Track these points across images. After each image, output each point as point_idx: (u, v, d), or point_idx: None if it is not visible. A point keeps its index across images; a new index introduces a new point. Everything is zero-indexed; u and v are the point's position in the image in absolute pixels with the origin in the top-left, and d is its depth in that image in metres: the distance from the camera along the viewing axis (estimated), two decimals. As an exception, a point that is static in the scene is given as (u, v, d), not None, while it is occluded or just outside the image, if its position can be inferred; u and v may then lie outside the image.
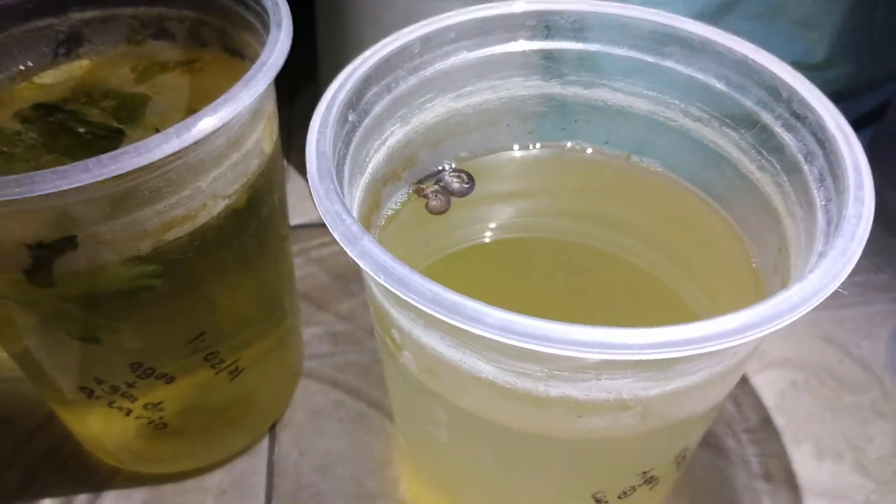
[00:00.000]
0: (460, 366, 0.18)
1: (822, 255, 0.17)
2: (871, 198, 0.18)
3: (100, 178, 0.19)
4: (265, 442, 0.33)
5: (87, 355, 0.25)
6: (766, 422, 0.34)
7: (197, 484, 0.32)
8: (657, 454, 0.21)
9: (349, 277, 0.40)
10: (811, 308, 0.16)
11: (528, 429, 0.19)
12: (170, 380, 0.27)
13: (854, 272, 0.41)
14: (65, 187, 0.19)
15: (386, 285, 0.16)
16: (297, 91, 0.48)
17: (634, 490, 0.22)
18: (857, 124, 0.43)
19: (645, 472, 0.21)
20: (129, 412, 0.27)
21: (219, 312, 0.27)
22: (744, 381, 0.35)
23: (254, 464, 0.32)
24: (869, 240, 0.37)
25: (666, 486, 0.25)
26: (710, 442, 0.33)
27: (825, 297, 0.16)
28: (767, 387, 0.35)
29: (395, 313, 0.19)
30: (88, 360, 0.25)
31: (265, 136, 0.25)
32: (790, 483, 0.32)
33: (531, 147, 0.28)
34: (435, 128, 0.26)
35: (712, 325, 0.15)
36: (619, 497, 0.22)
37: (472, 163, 0.27)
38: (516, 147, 0.28)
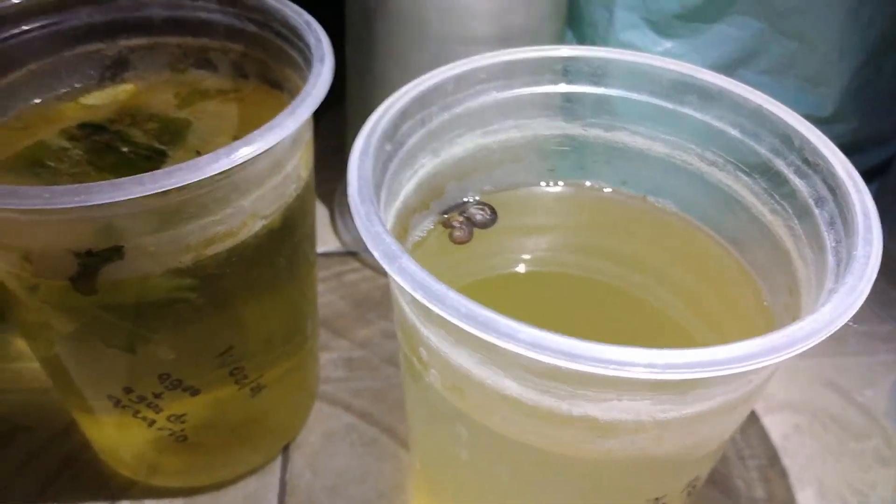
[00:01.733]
0: (487, 383, 0.19)
1: (832, 292, 0.18)
2: (879, 240, 0.19)
3: (153, 192, 0.20)
4: (278, 461, 0.34)
5: (118, 364, 0.26)
6: (773, 460, 0.34)
7: (210, 500, 0.32)
8: (669, 481, 0.22)
9: (367, 306, 0.41)
10: (822, 338, 0.17)
11: (547, 448, 0.20)
12: (195, 392, 0.27)
13: (859, 321, 0.42)
14: (121, 198, 0.20)
15: (424, 301, 0.17)
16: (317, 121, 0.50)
17: (645, 515, 0.23)
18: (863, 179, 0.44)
19: (657, 499, 0.22)
20: (152, 423, 0.28)
21: (247, 329, 0.28)
22: (750, 422, 0.36)
23: (266, 482, 0.33)
24: (873, 291, 0.38)
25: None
26: (717, 479, 0.34)
27: (836, 328, 0.17)
28: (772, 429, 0.36)
29: (426, 331, 0.20)
30: (119, 369, 0.26)
31: (302, 162, 0.27)
32: (793, 524, 0.32)
33: (552, 184, 0.29)
34: (462, 161, 0.27)
35: (731, 349, 0.16)
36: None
37: (496, 196, 0.28)
38: (538, 183, 0.29)
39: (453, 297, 0.17)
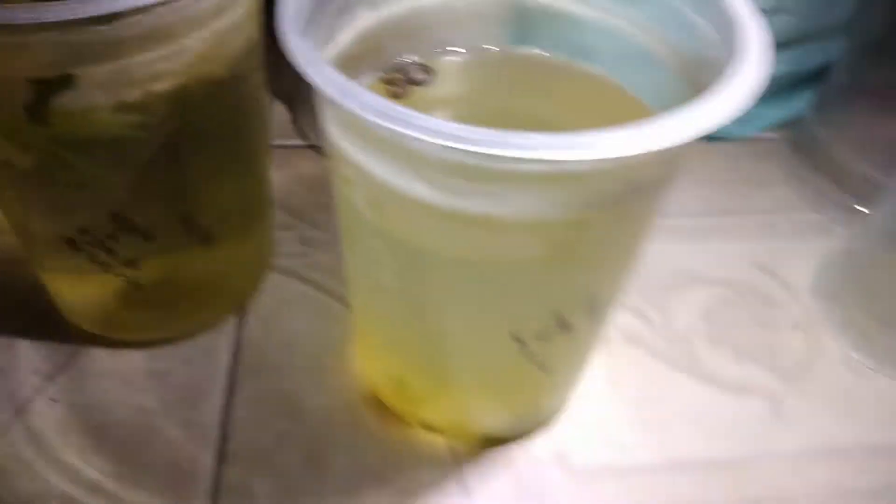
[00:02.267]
0: (400, 190, 0.21)
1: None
2: (768, 65, 0.21)
3: (98, 13, 0.22)
4: (233, 321, 0.36)
5: (73, 202, 0.28)
6: (695, 324, 0.37)
7: (168, 352, 0.34)
8: (566, 292, 0.24)
9: (326, 193, 0.42)
10: (688, 137, 0.19)
11: (453, 253, 0.22)
12: (148, 236, 0.29)
13: (795, 211, 0.44)
14: (69, 17, 0.21)
15: (338, 101, 0.19)
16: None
17: (550, 335, 0.25)
18: (805, 82, 0.46)
19: (557, 313, 0.24)
20: (108, 267, 0.30)
21: (197, 177, 0.29)
22: (673, 292, 0.38)
23: (221, 338, 0.35)
24: (811, 185, 0.40)
25: (583, 342, 0.28)
26: (638, 339, 0.36)
27: (700, 128, 0.19)
28: (694, 302, 0.38)
29: (346, 144, 0.22)
30: (74, 208, 0.28)
31: (250, 19, 0.28)
32: (708, 378, 0.35)
33: (489, 48, 0.31)
34: (402, 21, 0.29)
35: (615, 133, 0.18)
36: (537, 339, 0.25)
37: (433, 58, 0.30)
38: (476, 47, 0.31)
39: (367, 95, 0.19)
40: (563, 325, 0.25)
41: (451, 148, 0.18)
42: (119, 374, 0.34)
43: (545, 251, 0.21)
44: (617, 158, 0.18)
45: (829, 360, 0.36)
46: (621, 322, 0.37)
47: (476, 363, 0.27)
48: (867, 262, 0.37)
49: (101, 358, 0.34)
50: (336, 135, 0.23)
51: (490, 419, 0.31)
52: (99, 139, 0.26)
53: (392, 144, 0.20)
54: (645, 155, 0.19)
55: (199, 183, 0.30)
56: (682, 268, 0.40)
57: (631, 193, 0.21)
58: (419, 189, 0.21)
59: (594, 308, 0.25)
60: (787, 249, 0.41)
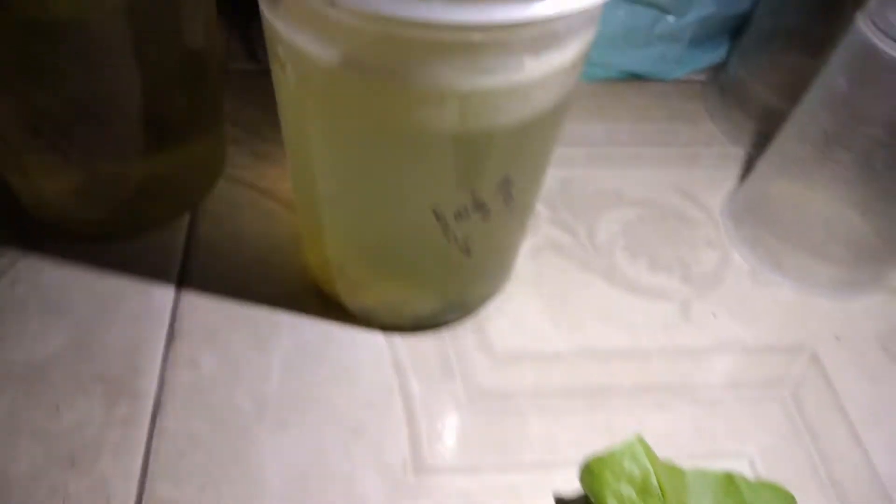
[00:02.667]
0: (323, 58, 0.23)
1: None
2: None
3: None
4: (186, 220, 0.38)
5: (31, 92, 0.30)
6: (609, 242, 0.40)
7: (124, 246, 0.37)
8: (478, 169, 0.27)
9: (275, 110, 0.45)
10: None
11: (374, 124, 0.25)
12: (105, 126, 0.32)
13: (716, 144, 0.48)
14: None
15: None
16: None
17: (468, 214, 0.28)
18: (729, 29, 0.50)
19: (472, 191, 0.27)
20: (67, 158, 0.32)
21: (152, 74, 0.32)
22: (599, 211, 0.42)
23: (174, 234, 0.37)
24: (732, 121, 0.44)
25: (500, 227, 0.31)
26: (560, 250, 0.39)
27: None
28: (617, 220, 0.41)
29: (277, 24, 0.24)
30: (32, 98, 0.30)
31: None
32: (625, 284, 0.38)
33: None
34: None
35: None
36: (456, 218, 0.28)
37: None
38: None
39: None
40: (479, 206, 0.28)
41: (367, 16, 0.21)
42: (78, 263, 0.36)
43: (456, 122, 0.24)
44: (520, 23, 0.21)
45: (737, 272, 0.40)
46: (549, 234, 0.40)
47: (404, 244, 0.30)
48: (771, 187, 0.41)
49: (61, 249, 0.36)
50: (269, 16, 0.25)
51: (421, 305, 0.34)
52: (55, 21, 0.28)
53: (313, 15, 0.23)
54: (544, 20, 0.21)
55: (154, 81, 0.32)
56: (608, 190, 0.43)
57: (533, 62, 0.24)
58: (337, 57, 0.23)
59: (507, 192, 0.28)
60: (707, 178, 0.45)
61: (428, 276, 0.32)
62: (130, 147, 0.34)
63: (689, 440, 0.33)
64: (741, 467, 0.32)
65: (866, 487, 0.32)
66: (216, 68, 0.37)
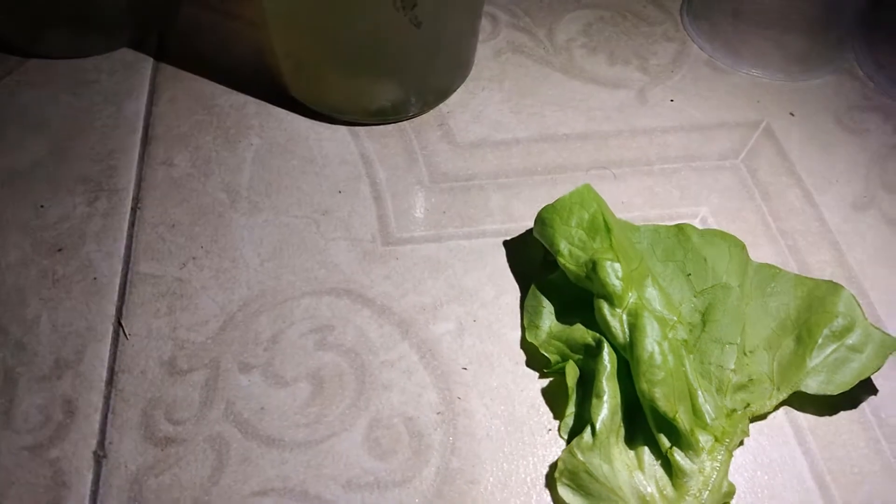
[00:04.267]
0: None
1: None
2: None
3: None
4: (154, 41, 0.39)
5: None
6: (568, 41, 0.41)
7: (93, 62, 0.38)
8: None
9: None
10: None
11: None
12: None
13: None
14: None
15: None
16: None
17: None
18: None
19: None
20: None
21: None
22: (559, 14, 0.42)
23: (143, 53, 0.39)
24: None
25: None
26: (520, 50, 0.40)
27: None
28: (576, 21, 0.42)
29: None
30: None
31: None
32: (584, 76, 0.39)
33: None
34: None
35: None
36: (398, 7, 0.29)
37: None
38: None
39: None
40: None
41: None
42: (52, 82, 0.37)
43: None
44: None
45: (695, 61, 0.41)
46: (509, 37, 0.41)
47: (357, 20, 0.31)
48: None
49: (34, 68, 0.37)
50: None
51: (381, 95, 0.35)
52: None
53: None
54: None
55: None
56: (568, -4, 0.44)
57: None
58: None
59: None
60: (667, -20, 0.45)
61: (383, 61, 0.34)
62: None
63: (644, 205, 0.34)
64: (694, 224, 0.34)
65: (815, 238, 0.34)
66: None
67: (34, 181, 0.33)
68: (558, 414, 0.28)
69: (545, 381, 0.29)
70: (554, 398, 0.28)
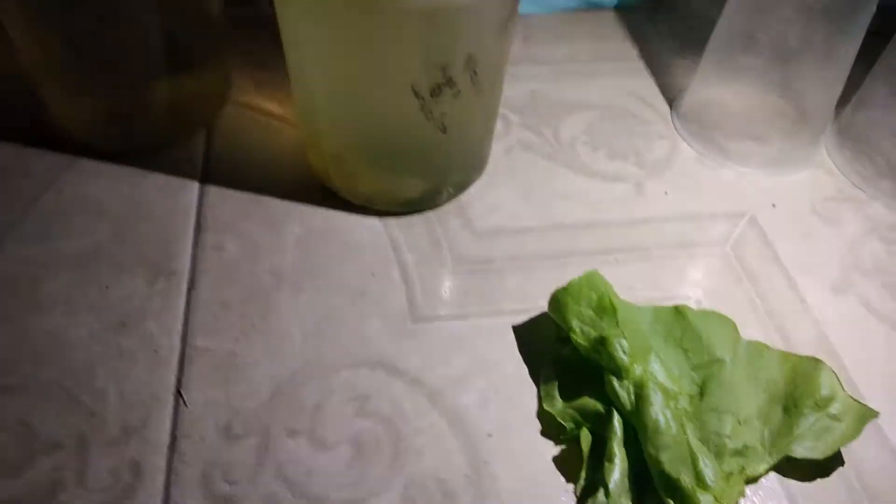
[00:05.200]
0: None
1: None
2: None
3: None
4: (202, 137, 0.44)
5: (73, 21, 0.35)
6: (571, 139, 0.46)
7: (149, 158, 0.42)
8: (446, 47, 0.32)
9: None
10: None
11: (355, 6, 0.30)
12: (127, 45, 0.37)
13: (663, 58, 0.53)
14: None
15: None
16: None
17: (441, 90, 0.34)
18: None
19: (444, 70, 0.33)
20: (99, 80, 0.38)
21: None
22: (563, 115, 0.47)
23: (193, 148, 0.43)
24: (677, 37, 0.48)
25: (471, 105, 0.36)
26: (529, 147, 0.45)
27: None
28: (579, 121, 0.47)
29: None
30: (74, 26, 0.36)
31: None
32: (586, 171, 0.44)
33: None
34: None
35: None
36: (432, 95, 0.33)
37: None
38: None
39: None
40: (450, 83, 0.33)
41: None
42: (111, 175, 0.41)
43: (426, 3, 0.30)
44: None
45: (685, 158, 0.46)
46: (519, 136, 0.46)
47: (389, 127, 0.36)
48: (708, 85, 0.46)
49: (96, 164, 0.42)
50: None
51: (409, 189, 0.40)
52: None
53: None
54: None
55: (169, 14, 0.38)
56: (570, 99, 0.49)
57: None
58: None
59: (472, 71, 0.34)
60: (659, 84, 0.50)
61: (412, 159, 0.38)
62: (149, 71, 0.39)
63: (643, 288, 0.38)
64: (689, 304, 0.37)
65: (799, 318, 0.38)
66: (218, 3, 0.43)
67: (99, 264, 0.37)
68: (573, 476, 0.31)
69: (561, 447, 0.32)
70: (569, 462, 0.32)
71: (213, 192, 0.41)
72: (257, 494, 0.30)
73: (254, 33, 0.51)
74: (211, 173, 0.42)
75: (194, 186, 0.41)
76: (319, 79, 0.35)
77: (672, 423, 0.30)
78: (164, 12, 0.38)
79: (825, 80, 0.42)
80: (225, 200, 0.41)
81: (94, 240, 0.38)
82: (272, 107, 0.46)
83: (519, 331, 0.36)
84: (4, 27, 0.38)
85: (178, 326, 0.35)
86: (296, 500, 0.30)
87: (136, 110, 0.41)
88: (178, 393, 0.33)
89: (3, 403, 0.32)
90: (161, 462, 0.30)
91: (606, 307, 0.33)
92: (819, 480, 0.32)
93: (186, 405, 0.32)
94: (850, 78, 0.43)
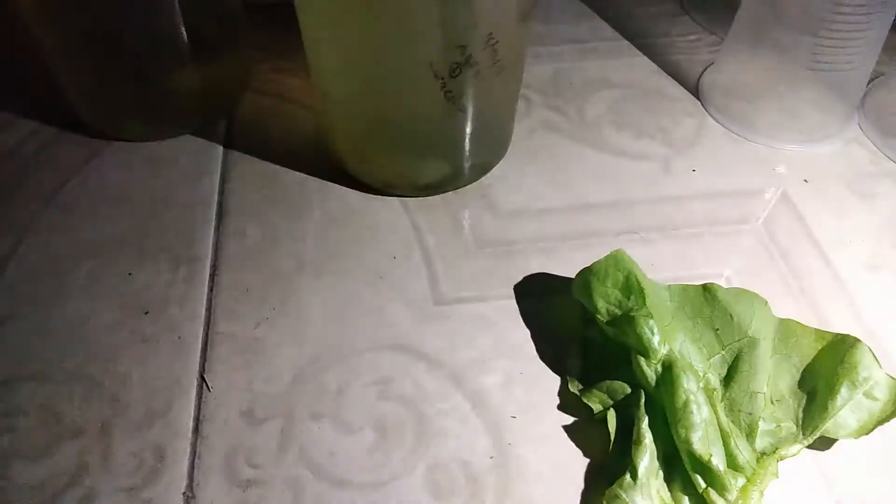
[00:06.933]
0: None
1: None
2: None
3: None
4: (223, 125, 0.44)
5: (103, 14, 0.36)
6: (597, 118, 0.45)
7: (170, 146, 0.42)
8: (465, 24, 0.31)
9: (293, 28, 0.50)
10: None
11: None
12: (152, 35, 0.37)
13: (689, 34, 0.52)
14: None
15: None
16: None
17: (462, 70, 0.33)
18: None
19: (463, 49, 0.32)
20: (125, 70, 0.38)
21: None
22: (588, 94, 0.46)
23: (213, 135, 0.43)
24: (704, 13, 0.48)
25: (489, 84, 0.35)
26: (553, 128, 0.44)
27: None
28: (604, 99, 0.46)
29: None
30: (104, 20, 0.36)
31: None
32: (612, 150, 0.43)
33: None
34: None
35: None
36: (451, 74, 0.33)
37: None
38: None
39: None
40: (470, 63, 0.33)
41: None
42: (134, 164, 0.41)
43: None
44: None
45: (713, 135, 0.44)
46: (543, 116, 0.45)
47: (410, 108, 0.35)
48: (736, 59, 0.45)
49: (118, 153, 0.42)
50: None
51: (430, 173, 0.39)
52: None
53: None
54: None
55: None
56: (595, 77, 0.48)
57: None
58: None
59: (493, 49, 0.33)
60: (684, 61, 0.49)
61: (432, 142, 0.38)
62: (171, 61, 0.39)
63: (671, 267, 0.37)
64: (719, 283, 0.36)
65: (833, 295, 0.36)
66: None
67: (123, 252, 0.37)
68: (599, 458, 0.31)
69: (587, 429, 0.31)
70: (595, 444, 0.31)
71: (235, 178, 0.41)
72: (281, 478, 0.30)
73: (272, 19, 0.51)
74: (232, 160, 0.42)
75: (216, 174, 0.41)
76: (337, 60, 0.35)
77: (702, 403, 0.30)
78: (186, 1, 0.38)
79: (857, 51, 0.41)
80: (246, 187, 0.40)
81: (118, 227, 0.38)
82: (292, 93, 0.46)
83: (543, 312, 0.35)
84: (26, 20, 0.38)
85: (201, 312, 0.35)
86: (319, 484, 0.29)
87: (159, 100, 0.41)
88: (202, 378, 0.33)
89: (28, 389, 0.32)
90: (185, 446, 0.30)
91: (633, 287, 0.33)
92: (856, 461, 0.31)
93: (210, 390, 0.32)
94: (883, 49, 0.41)
